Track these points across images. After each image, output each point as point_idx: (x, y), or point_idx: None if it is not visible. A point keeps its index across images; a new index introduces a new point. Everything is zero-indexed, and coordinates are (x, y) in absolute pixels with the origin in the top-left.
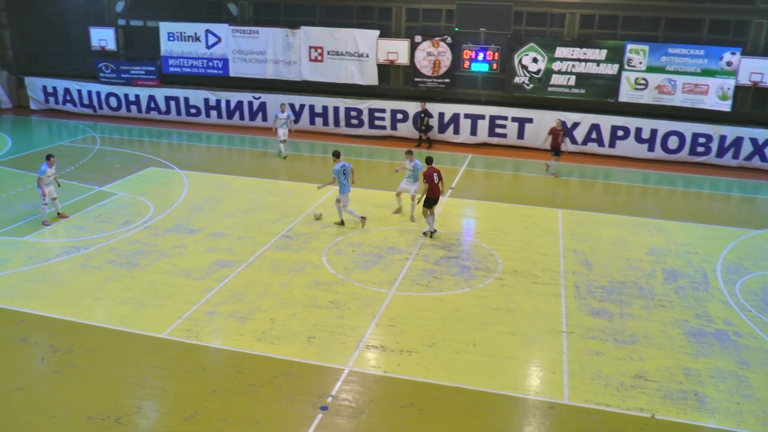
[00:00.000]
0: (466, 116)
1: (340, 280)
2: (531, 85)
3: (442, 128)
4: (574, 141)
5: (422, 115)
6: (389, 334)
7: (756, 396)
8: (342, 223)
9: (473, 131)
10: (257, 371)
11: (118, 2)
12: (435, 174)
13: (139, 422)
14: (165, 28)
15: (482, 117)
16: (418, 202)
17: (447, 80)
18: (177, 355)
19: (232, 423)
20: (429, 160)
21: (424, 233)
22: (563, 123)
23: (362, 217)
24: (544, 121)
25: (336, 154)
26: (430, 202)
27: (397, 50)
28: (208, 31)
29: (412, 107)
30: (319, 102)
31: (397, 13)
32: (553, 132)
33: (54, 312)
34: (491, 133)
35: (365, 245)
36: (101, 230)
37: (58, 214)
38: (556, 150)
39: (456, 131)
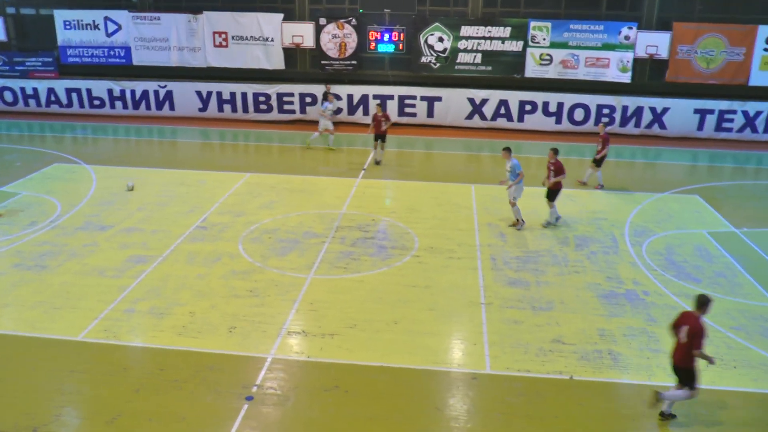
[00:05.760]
0: (375, 97)
1: (258, 268)
2: (438, 64)
3: (352, 110)
4: (483, 117)
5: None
6: (310, 318)
7: (663, 349)
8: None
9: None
10: (179, 367)
11: None
12: (382, 118)
13: (59, 431)
14: (60, 15)
15: (391, 97)
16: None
17: (354, 62)
18: (95, 357)
19: (157, 421)
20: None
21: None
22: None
23: None
24: (452, 98)
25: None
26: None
27: (302, 33)
28: (107, 18)
29: (321, 90)
30: (226, 88)
31: None
32: (375, 119)
33: None
34: (401, 112)
35: (281, 231)
36: (4, 233)
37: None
38: (381, 137)
39: (366, 112)
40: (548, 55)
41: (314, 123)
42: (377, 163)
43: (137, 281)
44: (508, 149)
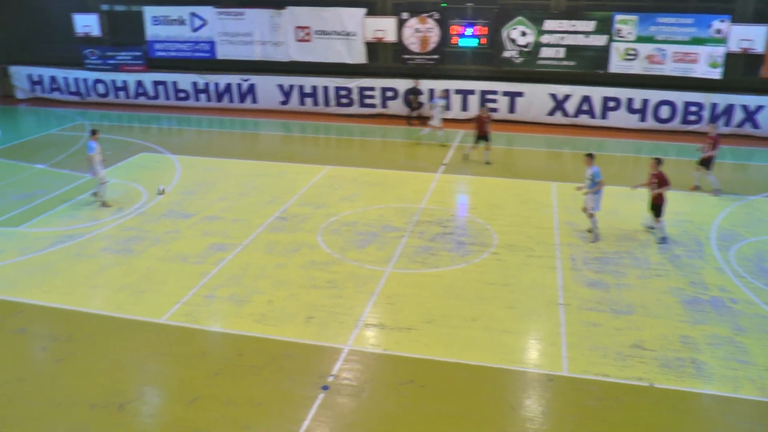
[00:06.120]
0: (457, 92)
1: (337, 260)
2: (520, 59)
3: None
4: (565, 113)
5: (413, 92)
6: (387, 312)
7: (752, 361)
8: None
9: (464, 107)
10: (257, 353)
11: None
12: (486, 119)
13: (142, 408)
14: (149, 12)
15: (472, 92)
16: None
17: (436, 56)
18: (177, 340)
19: (234, 406)
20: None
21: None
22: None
23: None
24: (535, 94)
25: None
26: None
27: (385, 27)
28: (193, 14)
29: (402, 84)
30: (308, 82)
31: None
32: (479, 120)
33: (51, 301)
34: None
35: (360, 224)
36: (95, 218)
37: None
38: (484, 137)
39: (447, 107)
40: (634, 49)
41: (395, 117)
42: (487, 163)
43: (218, 268)
44: (590, 155)
